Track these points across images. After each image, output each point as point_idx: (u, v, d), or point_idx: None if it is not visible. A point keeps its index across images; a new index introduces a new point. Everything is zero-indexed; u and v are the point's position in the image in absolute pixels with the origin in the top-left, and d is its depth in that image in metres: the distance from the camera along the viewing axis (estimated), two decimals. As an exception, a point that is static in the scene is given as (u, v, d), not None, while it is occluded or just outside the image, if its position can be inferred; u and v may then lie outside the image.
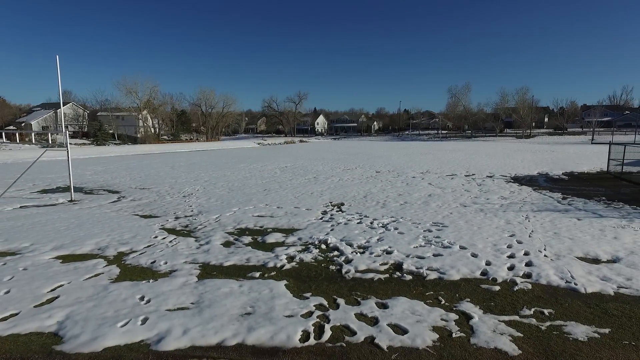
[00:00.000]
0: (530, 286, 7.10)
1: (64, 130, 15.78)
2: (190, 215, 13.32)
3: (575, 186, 19.03)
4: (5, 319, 5.95)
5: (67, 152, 16.11)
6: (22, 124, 75.85)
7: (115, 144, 70.22)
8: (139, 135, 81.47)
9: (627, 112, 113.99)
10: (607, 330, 5.53)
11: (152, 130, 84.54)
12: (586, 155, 40.08)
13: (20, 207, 15.03)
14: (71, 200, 16.21)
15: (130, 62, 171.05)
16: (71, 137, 73.46)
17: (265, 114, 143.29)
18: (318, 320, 5.92)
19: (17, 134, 62.76)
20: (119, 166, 33.10)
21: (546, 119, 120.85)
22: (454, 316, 6.01)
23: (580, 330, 5.53)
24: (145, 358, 4.95)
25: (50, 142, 58.97)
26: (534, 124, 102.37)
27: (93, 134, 72.42)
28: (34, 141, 61.46)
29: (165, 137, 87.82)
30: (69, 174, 16.63)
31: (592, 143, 65.29)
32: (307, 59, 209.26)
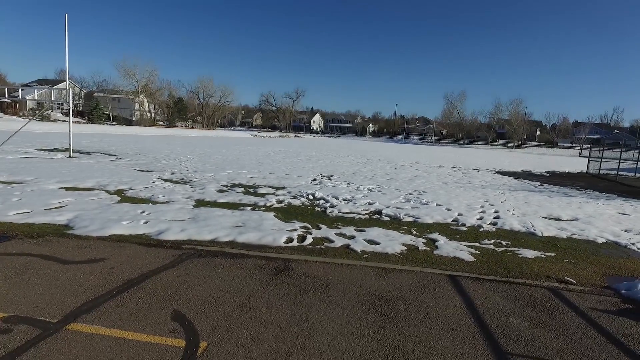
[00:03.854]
0: (494, 229, 7.91)
1: (67, 86, 16.25)
2: (187, 173, 13.94)
3: (555, 179, 20.06)
4: (18, 214, 6.57)
5: (70, 110, 16.60)
6: (17, 98, 75.29)
7: (110, 124, 70.10)
8: (134, 119, 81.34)
9: (616, 131, 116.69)
10: (552, 254, 6.34)
11: (148, 115, 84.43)
12: (571, 163, 41.47)
13: (21, 157, 15.49)
14: (70, 157, 16.68)
15: (128, 46, 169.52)
16: (65, 115, 73.11)
17: (262, 109, 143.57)
18: (302, 232, 6.65)
19: (13, 105, 62.43)
20: (115, 140, 33.43)
21: (538, 133, 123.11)
22: (422, 240, 6.77)
23: (529, 253, 6.33)
24: (147, 242, 5.62)
25: (43, 116, 58.67)
26: (525, 136, 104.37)
27: (88, 113, 72.11)
28: (28, 114, 61.09)
29: (161, 122, 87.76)
30: (69, 131, 17.10)
31: (579, 156, 66.96)
32: (306, 59, 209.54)
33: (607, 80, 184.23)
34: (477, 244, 6.70)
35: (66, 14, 15.94)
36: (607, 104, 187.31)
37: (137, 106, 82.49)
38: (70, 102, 16.47)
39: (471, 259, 5.85)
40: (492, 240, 6.97)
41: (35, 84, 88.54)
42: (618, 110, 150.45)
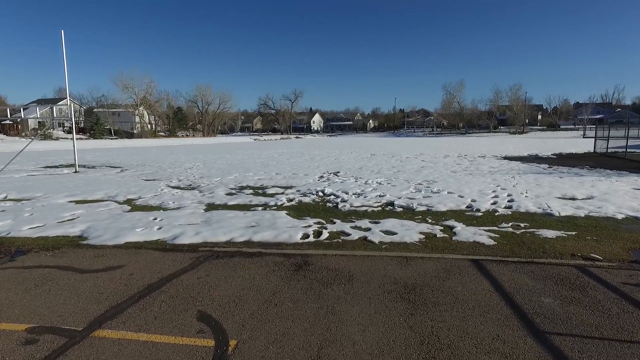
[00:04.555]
0: (510, 212, 7.79)
1: (68, 102, 16.28)
2: (193, 179, 13.90)
3: (563, 160, 19.86)
4: (32, 228, 6.55)
5: (72, 125, 16.64)
6: (18, 119, 75.82)
7: (111, 138, 70.47)
8: (135, 131, 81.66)
9: (618, 109, 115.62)
10: (573, 233, 6.22)
11: (149, 127, 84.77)
12: (576, 144, 41.12)
13: (28, 175, 15.53)
14: (76, 172, 16.71)
15: (123, 59, 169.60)
16: (67, 132, 73.61)
17: (261, 113, 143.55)
18: (317, 228, 6.57)
19: (15, 126, 62.94)
20: (118, 153, 33.54)
21: (539, 117, 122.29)
22: (439, 227, 6.67)
23: (550, 233, 6.21)
24: (163, 247, 5.57)
25: (45, 135, 59.11)
26: (527, 121, 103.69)
27: (90, 129, 72.52)
28: (30, 135, 61.52)
29: (161, 133, 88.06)
30: (74, 146, 17.14)
31: (583, 137, 66.42)
32: (302, 60, 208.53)
33: (606, 59, 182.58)
34: (495, 228, 6.59)
35: (62, 31, 15.99)
36: (608, 82, 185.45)
37: (137, 119, 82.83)
38: (72, 117, 16.51)
39: (491, 242, 5.75)
40: (510, 223, 6.86)
41: (35, 103, 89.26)
42: (619, 88, 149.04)
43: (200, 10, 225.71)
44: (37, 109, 29.32)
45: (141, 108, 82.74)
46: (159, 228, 6.47)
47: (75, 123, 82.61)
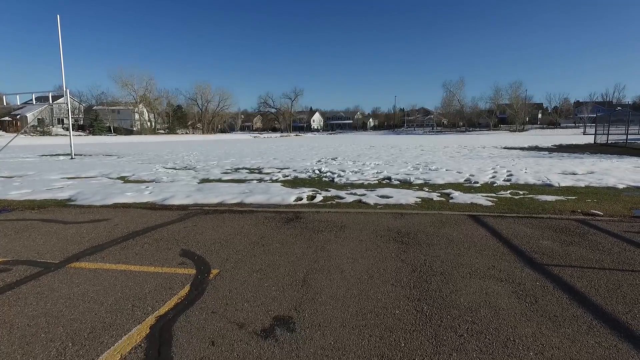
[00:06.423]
0: (508, 184, 7.63)
1: (64, 91, 16.16)
2: (189, 163, 13.76)
3: (563, 149, 19.69)
4: (19, 193, 6.41)
5: (69, 110, 16.51)
6: (18, 116, 75.82)
7: (111, 135, 70.41)
8: (135, 129, 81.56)
9: (619, 108, 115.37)
10: (574, 197, 6.07)
11: (149, 124, 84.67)
12: (577, 138, 40.92)
13: (23, 160, 15.40)
14: (72, 158, 16.58)
15: (124, 58, 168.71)
16: (66, 129, 73.66)
17: (261, 112, 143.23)
18: (311, 194, 6.43)
19: (14, 123, 62.98)
20: (117, 146, 33.43)
21: (540, 115, 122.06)
22: (436, 194, 6.52)
23: (549, 197, 6.06)
24: (153, 207, 5.43)
25: (45, 131, 59.08)
26: (527, 119, 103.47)
27: (89, 126, 72.48)
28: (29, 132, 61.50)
29: (161, 131, 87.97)
30: (70, 134, 17.00)
31: (584, 134, 66.25)
32: (302, 59, 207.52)
33: (606, 58, 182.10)
34: (494, 195, 6.43)
35: (58, 16, 15.86)
36: (608, 81, 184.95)
37: (136, 116, 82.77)
38: (69, 104, 16.37)
39: (489, 204, 5.60)
40: (509, 191, 6.71)
41: (32, 95, 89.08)
42: (619, 87, 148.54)
43: (200, 8, 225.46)
44: (34, 95, 28.87)
45: (141, 106, 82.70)
46: (150, 192, 6.34)
47: (75, 120, 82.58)
